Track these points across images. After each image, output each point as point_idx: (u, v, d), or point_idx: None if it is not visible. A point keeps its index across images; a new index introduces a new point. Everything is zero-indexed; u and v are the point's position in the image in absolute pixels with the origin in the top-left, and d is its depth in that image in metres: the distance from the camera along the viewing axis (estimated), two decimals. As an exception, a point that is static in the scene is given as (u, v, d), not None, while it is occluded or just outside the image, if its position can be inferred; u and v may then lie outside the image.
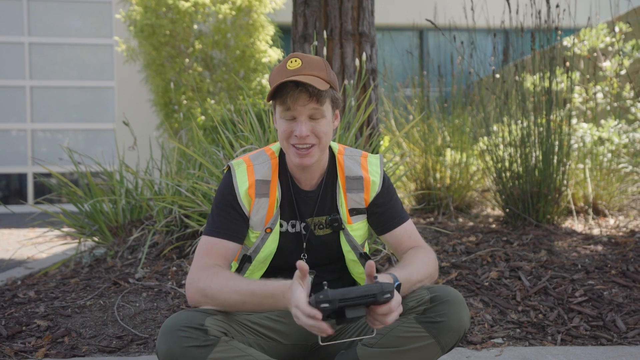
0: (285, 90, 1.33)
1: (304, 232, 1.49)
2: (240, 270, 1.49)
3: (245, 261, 1.48)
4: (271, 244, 1.46)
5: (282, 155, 1.50)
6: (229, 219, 1.42)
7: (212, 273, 1.31)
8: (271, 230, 1.45)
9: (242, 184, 1.43)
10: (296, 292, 1.13)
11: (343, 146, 1.55)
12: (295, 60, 1.36)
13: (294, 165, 1.41)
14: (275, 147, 1.52)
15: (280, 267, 1.48)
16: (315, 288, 1.49)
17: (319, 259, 1.50)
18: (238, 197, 1.42)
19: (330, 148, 1.52)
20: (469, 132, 4.16)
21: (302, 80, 1.31)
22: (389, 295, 1.14)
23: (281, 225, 1.48)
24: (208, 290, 1.28)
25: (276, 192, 1.45)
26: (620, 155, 3.88)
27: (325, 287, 1.10)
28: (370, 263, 1.18)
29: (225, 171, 1.48)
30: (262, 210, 1.44)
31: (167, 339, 1.20)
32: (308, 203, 1.48)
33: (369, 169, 1.50)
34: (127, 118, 4.20)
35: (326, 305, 1.09)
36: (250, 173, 1.45)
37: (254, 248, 1.46)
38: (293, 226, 1.49)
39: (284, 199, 1.47)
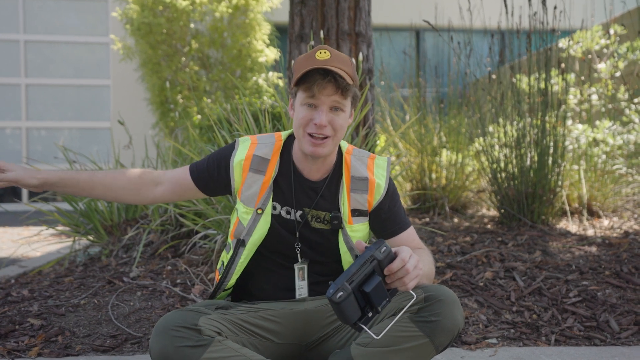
0: (313, 78, 1.34)
1: (299, 220, 1.48)
2: (235, 255, 1.48)
3: (239, 246, 1.48)
4: (263, 226, 1.46)
5: (288, 141, 1.51)
6: (211, 171, 1.50)
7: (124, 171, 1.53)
8: (262, 211, 1.45)
9: (240, 154, 1.47)
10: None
11: (352, 146, 1.55)
12: (325, 52, 1.37)
13: (306, 153, 1.41)
14: (284, 133, 1.53)
15: (272, 250, 1.49)
16: (311, 288, 1.49)
17: (313, 255, 1.50)
18: (230, 163, 1.47)
19: (339, 146, 1.52)
20: (465, 133, 4.17)
21: (333, 70, 1.32)
22: (385, 247, 1.14)
23: (274, 208, 1.48)
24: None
25: (272, 172, 1.46)
26: (614, 156, 3.89)
27: (330, 283, 1.11)
28: (359, 241, 1.22)
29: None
30: (255, 187, 1.45)
31: (160, 338, 1.20)
32: (308, 193, 1.48)
33: (374, 171, 1.50)
34: (123, 117, 4.19)
35: (341, 294, 1.08)
36: (251, 149, 1.48)
37: (247, 230, 1.46)
38: (288, 212, 1.48)
39: (283, 182, 1.48)
